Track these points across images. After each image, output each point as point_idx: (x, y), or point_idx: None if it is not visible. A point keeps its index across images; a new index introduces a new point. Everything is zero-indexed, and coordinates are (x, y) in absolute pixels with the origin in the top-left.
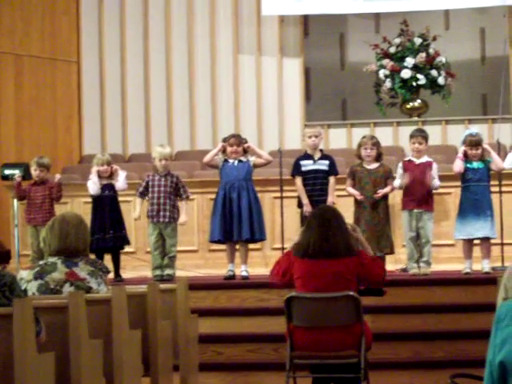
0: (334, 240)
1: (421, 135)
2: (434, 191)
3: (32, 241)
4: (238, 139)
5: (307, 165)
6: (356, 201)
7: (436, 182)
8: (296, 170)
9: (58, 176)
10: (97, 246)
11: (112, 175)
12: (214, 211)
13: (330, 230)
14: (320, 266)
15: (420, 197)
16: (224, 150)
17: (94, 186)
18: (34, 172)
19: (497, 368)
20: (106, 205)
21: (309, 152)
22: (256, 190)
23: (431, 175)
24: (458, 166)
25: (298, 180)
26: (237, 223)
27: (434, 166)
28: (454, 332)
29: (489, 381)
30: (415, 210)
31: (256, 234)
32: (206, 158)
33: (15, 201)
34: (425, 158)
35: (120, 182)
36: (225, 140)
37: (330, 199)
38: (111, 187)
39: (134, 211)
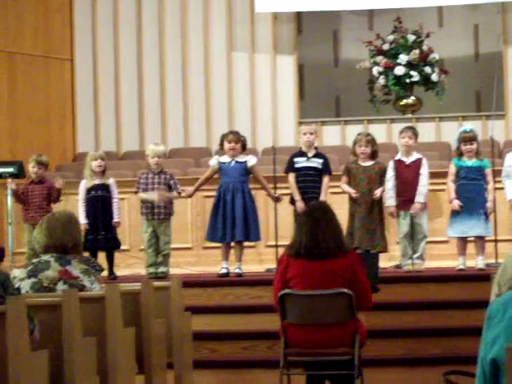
0: (324, 241)
1: (410, 130)
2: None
3: (28, 238)
4: (236, 136)
5: (300, 162)
6: (351, 198)
7: (421, 191)
8: (289, 166)
9: (59, 181)
10: (89, 247)
11: (105, 172)
12: (211, 212)
13: (320, 231)
14: (312, 266)
15: (412, 197)
16: (221, 148)
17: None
18: (32, 169)
19: (488, 365)
20: (98, 205)
21: (303, 149)
22: (250, 187)
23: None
24: (451, 191)
25: (291, 177)
26: (231, 224)
27: (424, 162)
28: (447, 329)
29: (481, 378)
30: (409, 210)
31: (251, 234)
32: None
33: (9, 198)
34: (415, 156)
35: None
36: (223, 137)
37: (323, 198)
38: (103, 187)
39: (147, 197)
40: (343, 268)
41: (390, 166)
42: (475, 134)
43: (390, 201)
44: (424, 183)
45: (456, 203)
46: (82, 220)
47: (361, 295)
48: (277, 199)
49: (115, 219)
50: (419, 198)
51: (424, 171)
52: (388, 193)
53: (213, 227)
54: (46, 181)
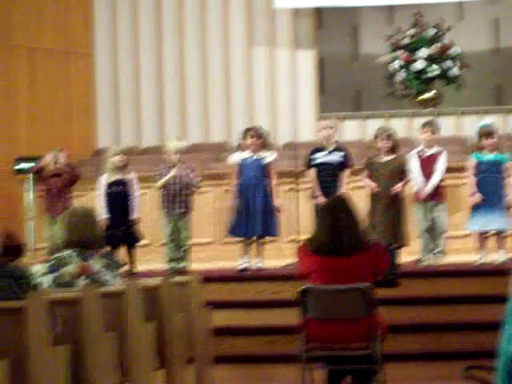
0: (345, 238)
1: (431, 125)
2: (444, 182)
3: (49, 232)
4: (257, 131)
5: (320, 157)
6: (371, 192)
7: (433, 181)
8: (309, 162)
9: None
10: (109, 242)
11: (126, 166)
12: (232, 207)
13: (340, 228)
14: (333, 262)
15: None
16: (242, 142)
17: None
18: (54, 165)
19: (509, 359)
20: (119, 200)
21: (322, 144)
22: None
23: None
24: (470, 190)
25: (311, 172)
26: (252, 220)
27: (442, 157)
28: (468, 323)
29: (502, 372)
30: (429, 203)
31: (270, 230)
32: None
33: (30, 194)
34: (435, 149)
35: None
36: (245, 132)
37: (342, 191)
38: (124, 182)
39: (166, 179)
40: (364, 263)
41: (414, 155)
42: (495, 128)
43: (418, 186)
44: (437, 176)
45: (477, 196)
46: (104, 214)
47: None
48: (277, 210)
49: (134, 216)
50: (427, 187)
51: (440, 165)
52: (416, 180)
53: (234, 222)
54: (64, 174)
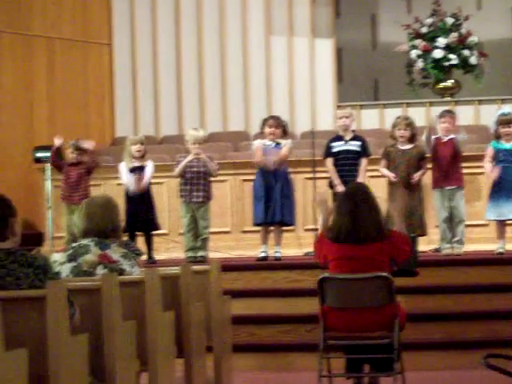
0: (365, 225)
1: (450, 115)
2: (462, 168)
3: (67, 221)
4: (276, 121)
5: (338, 146)
6: (390, 181)
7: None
8: (327, 151)
9: (91, 144)
10: (127, 229)
11: (144, 156)
12: (255, 195)
13: (360, 216)
14: (352, 250)
15: (449, 172)
16: (262, 131)
17: (125, 179)
18: (72, 155)
19: None
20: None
21: (340, 133)
22: (290, 171)
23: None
24: (488, 169)
25: (329, 162)
26: (271, 206)
27: (459, 137)
28: (487, 312)
29: None
30: (447, 188)
31: (285, 217)
32: (258, 160)
33: (49, 183)
34: (452, 135)
35: (144, 182)
36: (264, 121)
37: (361, 180)
38: (142, 170)
39: (184, 163)
40: (383, 252)
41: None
42: None
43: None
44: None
45: (496, 169)
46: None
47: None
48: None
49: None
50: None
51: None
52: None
53: (260, 210)
54: (83, 162)
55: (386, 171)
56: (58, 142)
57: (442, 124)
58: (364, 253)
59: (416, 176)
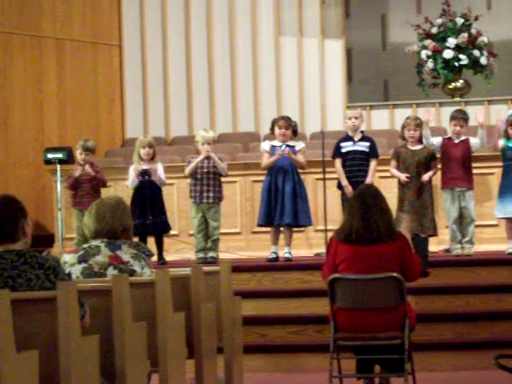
0: (376, 226)
1: (462, 117)
2: (473, 169)
3: (77, 224)
4: (287, 121)
5: (347, 146)
6: (400, 182)
7: (476, 141)
8: (336, 152)
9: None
10: (137, 231)
11: (154, 158)
12: (263, 196)
13: (371, 216)
14: (363, 250)
15: (459, 173)
16: (272, 132)
17: (131, 183)
18: (80, 156)
19: None
20: (146, 190)
21: (349, 134)
22: (300, 171)
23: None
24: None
25: (338, 162)
26: (280, 208)
27: (472, 139)
28: (497, 312)
29: None
30: (457, 189)
31: (301, 219)
32: (265, 164)
33: (58, 184)
34: (463, 137)
35: (162, 176)
36: (274, 122)
37: (370, 181)
38: (150, 173)
39: (195, 164)
40: (393, 253)
41: (439, 140)
42: None
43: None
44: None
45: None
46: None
47: (406, 272)
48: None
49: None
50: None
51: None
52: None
53: (263, 210)
54: (93, 166)
55: (396, 172)
56: (77, 173)
57: (453, 127)
58: (375, 252)
59: (426, 176)
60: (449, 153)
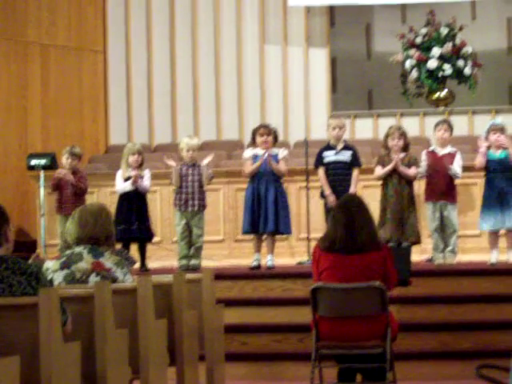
0: (360, 236)
1: (446, 123)
2: (456, 182)
3: (61, 229)
4: (267, 128)
5: (329, 155)
6: (383, 190)
7: (456, 170)
8: (318, 161)
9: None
10: (121, 236)
11: (142, 165)
12: (245, 204)
13: (355, 225)
14: (346, 259)
15: (443, 188)
16: (254, 142)
17: (122, 188)
18: (66, 161)
19: None
20: (132, 196)
21: (332, 143)
22: (283, 180)
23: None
24: (480, 161)
25: (321, 171)
26: (263, 216)
27: (458, 155)
28: (480, 323)
29: None
30: (439, 202)
31: (281, 227)
32: (249, 170)
33: (42, 190)
34: (448, 149)
35: (144, 183)
36: (255, 131)
37: (353, 191)
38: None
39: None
40: (378, 262)
41: (423, 154)
42: (504, 127)
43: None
44: (456, 169)
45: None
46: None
47: (385, 282)
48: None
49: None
50: (451, 168)
51: (457, 164)
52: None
53: (247, 218)
54: (78, 173)
55: (383, 169)
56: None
57: (438, 132)
58: (358, 262)
59: (397, 159)
60: (432, 166)
